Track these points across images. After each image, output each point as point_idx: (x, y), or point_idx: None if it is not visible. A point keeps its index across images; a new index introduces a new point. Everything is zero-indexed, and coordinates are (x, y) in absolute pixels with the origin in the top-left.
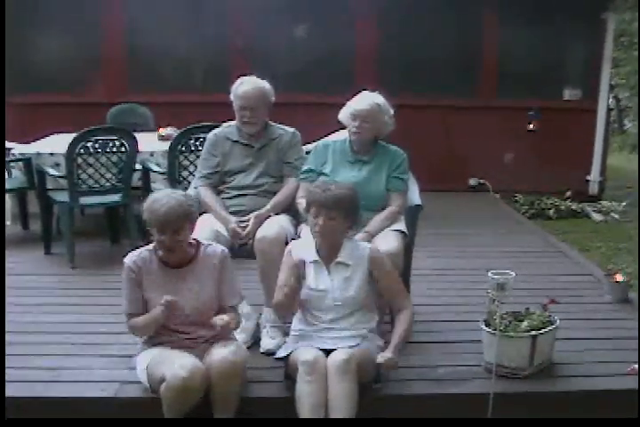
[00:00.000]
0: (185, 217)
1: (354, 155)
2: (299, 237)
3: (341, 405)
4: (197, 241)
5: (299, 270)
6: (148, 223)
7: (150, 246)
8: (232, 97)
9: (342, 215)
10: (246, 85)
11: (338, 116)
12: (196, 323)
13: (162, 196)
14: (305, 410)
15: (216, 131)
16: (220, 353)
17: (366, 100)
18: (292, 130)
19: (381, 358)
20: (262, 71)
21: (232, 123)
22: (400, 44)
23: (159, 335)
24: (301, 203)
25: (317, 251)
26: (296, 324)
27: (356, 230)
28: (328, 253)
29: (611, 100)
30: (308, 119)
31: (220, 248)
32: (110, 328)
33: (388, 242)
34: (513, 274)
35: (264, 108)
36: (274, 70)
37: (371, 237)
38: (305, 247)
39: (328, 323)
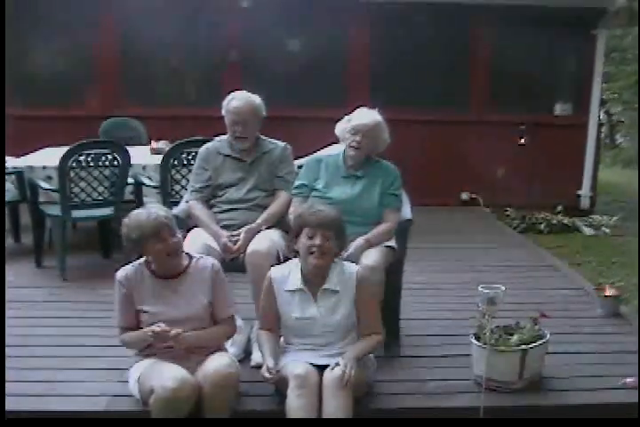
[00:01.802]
0: (172, 221)
1: (347, 170)
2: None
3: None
4: (189, 254)
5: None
6: (143, 237)
7: (141, 260)
8: (223, 112)
9: (334, 237)
10: (237, 101)
11: (335, 130)
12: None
13: (140, 213)
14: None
15: (208, 145)
16: (215, 365)
17: (369, 115)
18: (282, 144)
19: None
20: (255, 85)
21: (224, 137)
22: (392, 59)
23: (151, 346)
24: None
25: (302, 278)
26: (285, 340)
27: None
28: (314, 279)
29: (602, 115)
30: (301, 133)
31: (211, 261)
32: (102, 341)
33: (372, 255)
34: (503, 288)
35: (255, 123)
36: (267, 84)
37: (369, 245)
38: (288, 275)
39: (319, 346)
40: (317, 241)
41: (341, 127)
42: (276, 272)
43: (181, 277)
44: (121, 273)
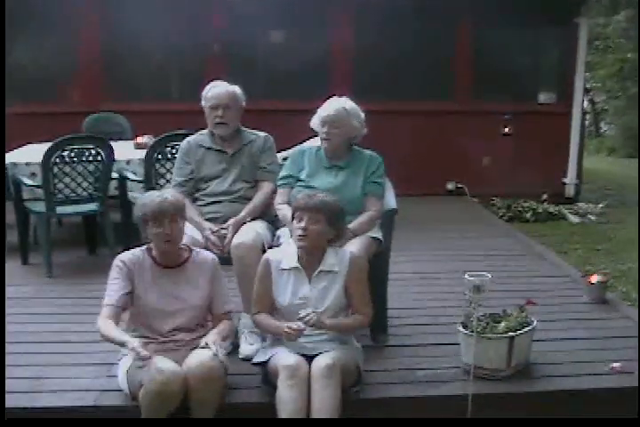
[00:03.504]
0: (178, 209)
1: (329, 160)
2: (276, 243)
3: (326, 410)
4: (188, 246)
5: (273, 280)
6: (143, 218)
7: (143, 247)
8: (203, 102)
9: (326, 220)
10: (217, 88)
11: (310, 124)
12: (182, 326)
13: (153, 192)
14: (285, 415)
15: (189, 138)
16: (199, 358)
17: (333, 105)
18: (264, 134)
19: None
20: (239, 79)
21: (205, 131)
22: (375, 49)
23: (142, 339)
24: (281, 209)
25: (299, 259)
26: None
27: (340, 243)
28: (310, 261)
29: (586, 103)
30: (285, 126)
31: (211, 255)
32: (89, 337)
33: (354, 245)
34: (489, 276)
35: (236, 110)
36: (251, 77)
37: (352, 235)
38: (285, 255)
39: (308, 331)
40: (303, 223)
41: (314, 120)
42: (271, 254)
43: (182, 268)
44: (123, 256)
